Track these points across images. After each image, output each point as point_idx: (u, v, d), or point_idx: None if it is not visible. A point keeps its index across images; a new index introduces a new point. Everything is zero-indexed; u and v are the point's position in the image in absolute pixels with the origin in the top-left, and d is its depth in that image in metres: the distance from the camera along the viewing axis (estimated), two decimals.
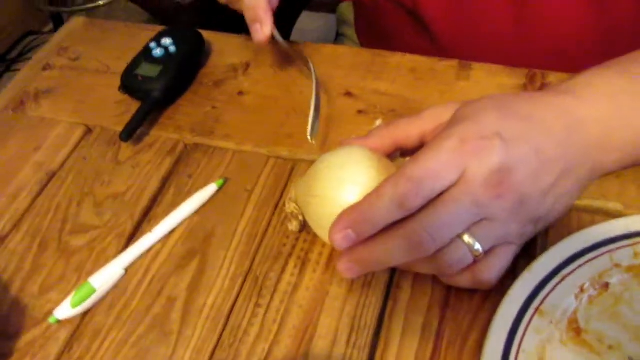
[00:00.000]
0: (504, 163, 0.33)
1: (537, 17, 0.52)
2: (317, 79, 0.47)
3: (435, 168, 0.32)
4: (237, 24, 0.53)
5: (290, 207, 0.38)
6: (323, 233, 0.37)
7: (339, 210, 0.33)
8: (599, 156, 0.37)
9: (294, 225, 0.39)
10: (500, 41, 0.55)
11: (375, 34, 0.69)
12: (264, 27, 0.46)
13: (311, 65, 0.48)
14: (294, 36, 0.92)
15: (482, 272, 0.33)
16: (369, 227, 0.33)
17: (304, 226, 0.40)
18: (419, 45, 0.59)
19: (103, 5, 1.63)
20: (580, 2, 0.50)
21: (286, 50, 0.50)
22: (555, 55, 0.53)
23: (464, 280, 0.34)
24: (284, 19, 0.77)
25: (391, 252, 0.33)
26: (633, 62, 0.39)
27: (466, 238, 0.32)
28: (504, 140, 0.33)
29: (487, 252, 0.33)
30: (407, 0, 0.57)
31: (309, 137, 0.43)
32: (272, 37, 0.47)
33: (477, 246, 0.33)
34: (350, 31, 0.79)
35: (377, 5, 0.64)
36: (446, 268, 0.33)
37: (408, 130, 0.38)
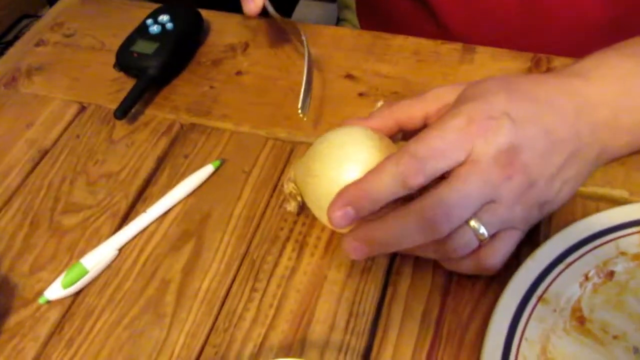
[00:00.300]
0: (513, 143, 0.32)
1: (544, 2, 0.51)
2: (309, 54, 0.45)
3: (441, 147, 0.31)
4: (236, 2, 0.51)
5: (288, 187, 0.37)
6: (322, 214, 0.36)
7: (337, 190, 0.32)
8: (608, 138, 0.36)
9: (292, 206, 0.38)
10: (507, 26, 0.53)
11: (377, 19, 0.68)
12: None
13: (304, 39, 0.46)
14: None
15: (486, 257, 0.33)
16: (369, 204, 0.32)
17: (303, 208, 0.39)
18: (424, 30, 0.58)
19: None
20: None
21: (280, 24, 0.49)
22: (563, 41, 0.52)
23: (467, 266, 0.33)
24: (282, 4, 0.76)
25: (404, 231, 0.31)
26: None
27: (472, 222, 0.32)
28: (512, 121, 0.32)
29: (492, 237, 0.33)
30: None
31: (299, 112, 0.41)
32: (265, 10, 0.46)
33: (483, 230, 0.32)
34: (352, 15, 0.77)
35: None
36: (451, 252, 0.32)
37: (411, 111, 0.37)
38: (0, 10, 1.58)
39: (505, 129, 0.32)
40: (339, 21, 0.81)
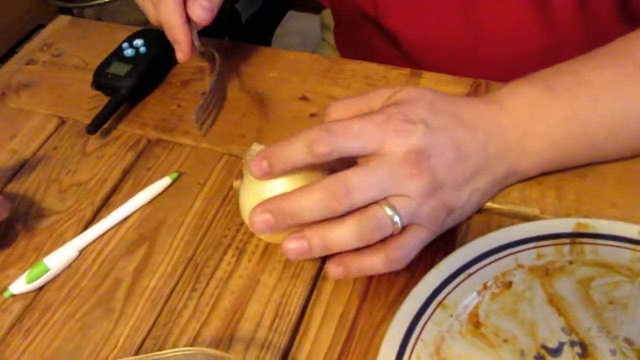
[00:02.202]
0: (423, 147, 0.36)
1: (484, 26, 0.54)
2: (219, 73, 0.51)
3: (355, 129, 0.36)
4: (212, 28, 0.56)
5: (236, 183, 0.42)
6: (246, 218, 0.40)
7: (257, 200, 0.37)
8: (516, 159, 0.40)
9: (236, 183, 0.42)
10: (455, 50, 0.57)
11: (349, 42, 0.72)
12: (182, 47, 0.47)
13: (216, 57, 0.52)
14: (277, 37, 0.95)
15: (395, 249, 0.36)
16: (280, 162, 0.36)
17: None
18: (389, 54, 0.62)
19: (110, 2, 1.68)
20: (524, 10, 0.52)
21: (201, 54, 0.52)
22: (504, 67, 0.56)
23: (377, 260, 0.36)
24: (267, 19, 0.81)
25: (308, 202, 0.35)
26: (555, 74, 0.42)
27: (387, 209, 0.35)
28: (427, 128, 0.37)
29: (402, 230, 0.36)
30: (370, 10, 0.60)
31: (194, 122, 0.47)
32: (195, 48, 0.50)
33: (396, 218, 0.35)
34: (330, 36, 0.82)
35: (348, 15, 0.67)
36: (367, 233, 0.35)
37: (355, 108, 0.40)
38: (15, 22, 1.66)
39: (419, 133, 0.36)
40: (321, 40, 0.86)
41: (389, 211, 0.35)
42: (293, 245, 0.37)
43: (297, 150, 0.35)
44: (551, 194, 0.43)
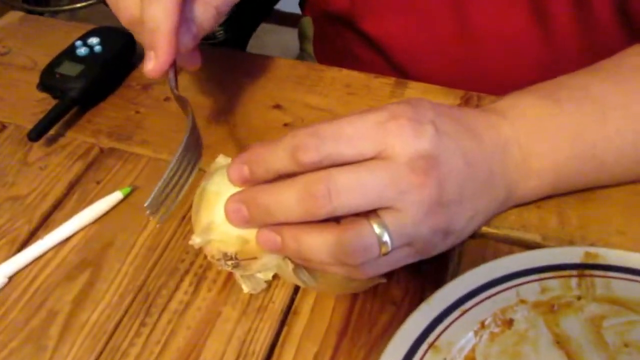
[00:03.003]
0: (433, 152, 0.30)
1: (477, 34, 0.50)
2: (190, 134, 0.35)
3: (347, 132, 0.29)
4: None
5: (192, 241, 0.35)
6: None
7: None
8: (518, 179, 0.36)
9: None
10: (445, 60, 0.53)
11: (331, 52, 0.68)
12: (160, 56, 0.35)
13: (190, 110, 0.37)
14: (255, 50, 0.90)
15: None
16: (261, 169, 0.30)
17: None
18: (375, 64, 0.57)
19: (82, 8, 1.61)
20: (521, 17, 0.48)
21: (173, 95, 0.38)
22: (498, 79, 0.51)
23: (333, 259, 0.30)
24: (241, 27, 0.76)
25: (284, 198, 0.29)
26: (560, 86, 0.37)
27: (376, 227, 0.29)
28: (437, 130, 0.31)
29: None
30: (354, 15, 0.55)
31: (147, 212, 0.33)
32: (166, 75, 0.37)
33: (386, 237, 0.29)
34: (310, 46, 0.77)
35: (329, 23, 0.62)
36: (347, 252, 0.29)
37: None
38: None
39: (429, 134, 0.30)
40: (300, 51, 0.81)
41: (377, 229, 0.29)
42: (267, 235, 0.31)
43: (278, 156, 0.30)
44: (552, 218, 0.38)
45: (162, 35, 0.35)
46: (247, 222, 0.31)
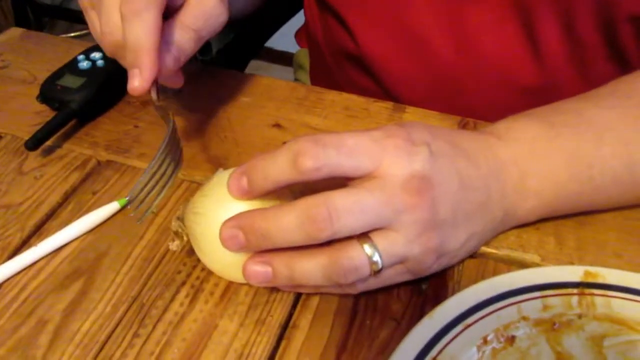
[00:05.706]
0: (427, 172, 0.31)
1: (473, 61, 0.51)
2: (169, 140, 0.37)
3: (349, 144, 0.30)
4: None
5: (174, 225, 0.35)
6: (201, 254, 0.34)
7: (216, 230, 0.31)
8: (516, 200, 0.36)
9: (174, 245, 0.36)
10: (441, 85, 0.54)
11: (328, 83, 0.69)
12: (143, 73, 0.36)
13: (172, 119, 0.38)
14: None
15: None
16: (261, 179, 0.30)
17: (186, 246, 0.37)
18: (370, 92, 0.58)
19: (76, 37, 1.63)
20: (514, 42, 0.50)
21: (154, 106, 0.40)
22: (493, 104, 0.52)
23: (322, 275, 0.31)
24: (240, 52, 0.77)
25: (283, 223, 0.29)
26: (555, 111, 0.38)
27: (366, 248, 0.30)
28: (431, 153, 0.31)
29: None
30: (351, 45, 0.57)
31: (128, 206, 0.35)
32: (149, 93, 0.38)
33: (376, 257, 0.30)
34: (305, 76, 0.78)
35: (327, 54, 0.63)
36: (341, 275, 0.30)
37: None
38: None
39: (422, 156, 0.31)
40: (295, 81, 0.82)
41: (368, 249, 0.30)
42: (255, 269, 0.31)
43: (279, 163, 0.30)
44: (550, 240, 0.38)
45: (145, 52, 0.36)
46: (243, 248, 0.31)
